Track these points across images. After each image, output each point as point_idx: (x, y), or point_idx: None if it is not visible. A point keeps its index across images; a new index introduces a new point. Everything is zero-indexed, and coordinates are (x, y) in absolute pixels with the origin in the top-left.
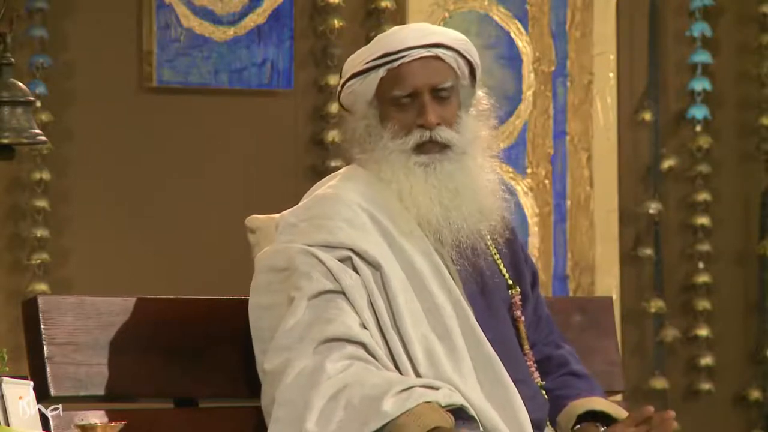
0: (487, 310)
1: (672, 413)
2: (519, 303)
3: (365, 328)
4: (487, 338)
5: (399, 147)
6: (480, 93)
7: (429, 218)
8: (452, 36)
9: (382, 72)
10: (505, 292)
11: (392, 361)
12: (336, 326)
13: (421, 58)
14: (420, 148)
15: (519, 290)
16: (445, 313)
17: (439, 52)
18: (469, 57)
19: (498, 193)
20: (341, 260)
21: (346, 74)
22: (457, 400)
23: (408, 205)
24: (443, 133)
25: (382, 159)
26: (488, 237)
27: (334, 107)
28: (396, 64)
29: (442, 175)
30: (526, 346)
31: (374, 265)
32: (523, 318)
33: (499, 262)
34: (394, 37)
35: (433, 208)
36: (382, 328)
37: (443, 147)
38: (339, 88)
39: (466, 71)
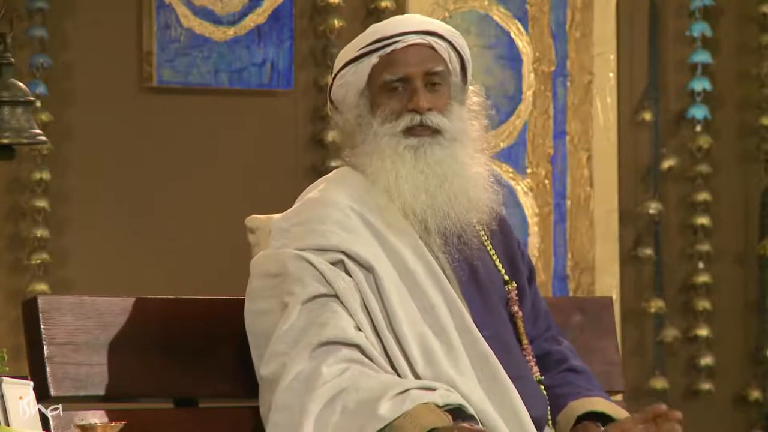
0: (483, 308)
1: (679, 415)
2: (516, 298)
3: (360, 330)
4: (484, 336)
5: (389, 131)
6: (471, 89)
7: (414, 207)
8: (445, 27)
9: (374, 58)
10: (501, 287)
11: (389, 363)
12: (331, 329)
13: (414, 44)
14: (410, 131)
15: (515, 285)
16: (440, 312)
17: (432, 40)
18: (460, 51)
19: (487, 184)
20: (333, 263)
21: (339, 64)
22: (455, 399)
23: (394, 196)
24: (434, 118)
25: (372, 149)
26: (481, 231)
27: None
28: (389, 50)
29: (431, 159)
30: (525, 342)
31: (367, 267)
32: (520, 313)
33: (494, 257)
34: (387, 24)
35: (418, 196)
36: (377, 329)
37: (434, 132)
38: (330, 83)
39: (458, 66)
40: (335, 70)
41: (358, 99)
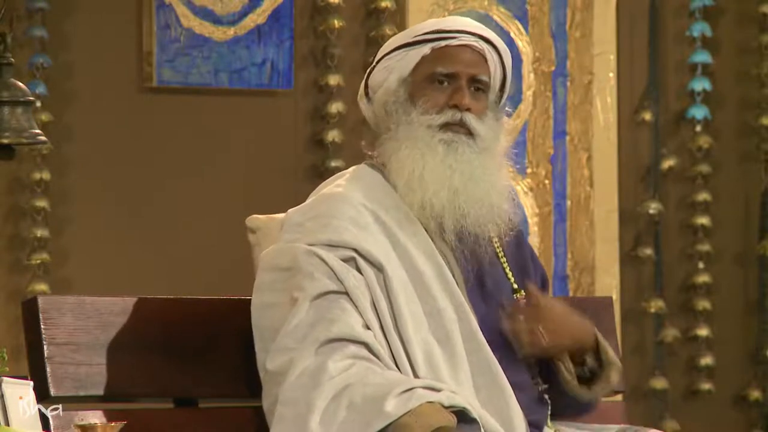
0: (488, 313)
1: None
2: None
3: (368, 328)
4: (489, 340)
5: (427, 122)
6: (505, 112)
7: (434, 201)
8: (500, 41)
9: (426, 49)
10: (509, 295)
11: (393, 362)
12: (339, 326)
13: (469, 45)
14: (447, 127)
15: (524, 294)
16: (446, 316)
17: (486, 49)
18: (506, 69)
19: (509, 197)
20: (345, 260)
21: (388, 48)
22: (460, 402)
23: (415, 186)
24: (472, 120)
25: (404, 136)
26: (495, 240)
27: (334, 107)
28: (443, 44)
29: (462, 157)
30: None
31: (377, 266)
32: None
33: (505, 265)
34: (447, 20)
35: (440, 192)
36: (384, 329)
37: (469, 133)
38: (372, 64)
39: (498, 84)
40: (381, 53)
41: (398, 86)
